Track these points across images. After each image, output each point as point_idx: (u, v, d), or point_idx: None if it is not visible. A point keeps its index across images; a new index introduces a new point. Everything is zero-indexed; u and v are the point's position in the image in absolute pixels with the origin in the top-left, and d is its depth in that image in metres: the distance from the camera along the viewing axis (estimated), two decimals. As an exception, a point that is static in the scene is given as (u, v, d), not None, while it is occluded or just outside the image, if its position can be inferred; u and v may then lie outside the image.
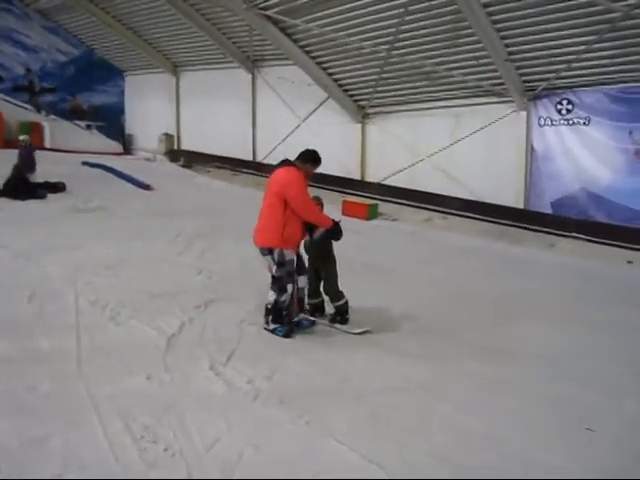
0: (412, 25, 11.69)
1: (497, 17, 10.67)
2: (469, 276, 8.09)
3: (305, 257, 5.66)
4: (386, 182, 14.04)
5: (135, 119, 20.85)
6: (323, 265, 5.60)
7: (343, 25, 12.56)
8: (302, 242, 5.50)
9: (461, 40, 11.52)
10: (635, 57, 10.33)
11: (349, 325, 5.51)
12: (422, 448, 3.45)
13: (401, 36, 12.01)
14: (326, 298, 5.73)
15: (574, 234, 11.12)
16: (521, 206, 12.13)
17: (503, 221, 11.80)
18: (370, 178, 14.58)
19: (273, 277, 5.23)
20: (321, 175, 14.70)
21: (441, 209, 12.69)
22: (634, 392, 4.45)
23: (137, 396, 3.89)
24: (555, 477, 3.22)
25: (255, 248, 5.39)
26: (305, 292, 5.60)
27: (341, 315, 5.58)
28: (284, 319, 5.22)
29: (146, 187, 13.81)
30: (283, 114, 15.94)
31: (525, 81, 11.81)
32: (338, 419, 3.72)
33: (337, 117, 14.91)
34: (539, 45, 10.96)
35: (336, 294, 5.58)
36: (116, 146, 20.01)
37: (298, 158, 5.33)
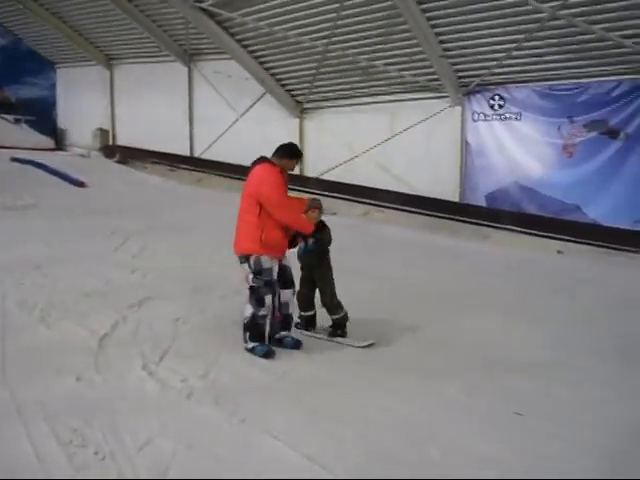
0: (349, 20, 11.75)
1: (432, 14, 10.87)
2: (409, 269, 8.20)
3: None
4: (324, 177, 14.10)
5: (68, 113, 20.06)
6: (317, 275, 5.17)
7: (280, 19, 12.50)
8: (297, 248, 5.10)
9: (397, 36, 11.68)
10: (561, 56, 10.76)
11: (350, 338, 5.13)
12: (360, 443, 3.43)
13: (338, 31, 12.05)
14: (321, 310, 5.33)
15: (507, 226, 11.49)
16: (457, 199, 12.42)
17: (440, 214, 12.05)
18: (308, 173, 14.59)
19: (250, 288, 4.73)
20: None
21: (379, 203, 12.84)
22: (563, 378, 4.62)
23: (66, 399, 3.74)
24: (493, 467, 3.27)
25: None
26: (291, 308, 5.04)
27: (341, 328, 5.17)
28: (264, 336, 4.77)
29: (80, 184, 13.40)
30: (221, 109, 15.73)
31: (460, 77, 12.08)
32: (275, 416, 3.68)
33: (275, 112, 14.85)
34: (472, 42, 11.23)
35: (334, 306, 5.15)
36: (48, 141, 19.26)
37: (274, 153, 4.87)
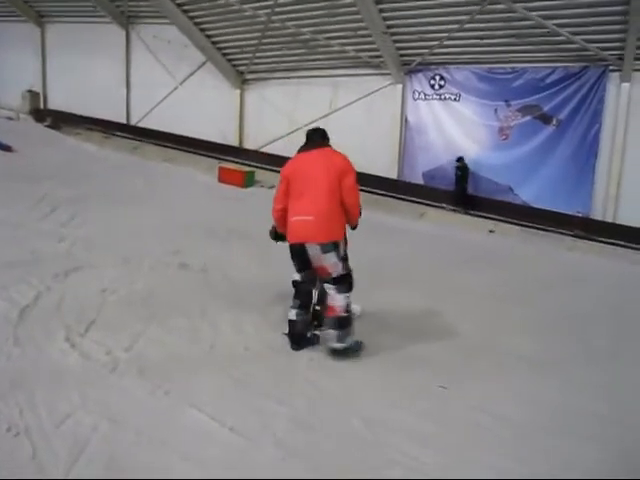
0: (292, -9, 11.58)
1: (375, -11, 10.82)
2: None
3: None
4: (264, 149, 13.97)
5: (-6, 73, 19.07)
6: None
7: (222, -15, 12.20)
8: None
9: (340, 10, 11.59)
10: (500, 40, 10.96)
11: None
12: (286, 415, 3.46)
13: (281, 1, 11.87)
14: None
15: (443, 204, 11.73)
16: (395, 176, 12.55)
17: (378, 191, 12.14)
18: (248, 145, 14.43)
19: (340, 276, 4.33)
20: (198, 141, 14.42)
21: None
22: (484, 349, 4.81)
23: (-21, 374, 3.58)
24: (415, 438, 3.35)
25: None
26: None
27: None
28: None
29: (6, 148, 12.75)
30: (160, 75, 15.28)
31: (402, 55, 12.12)
32: (200, 388, 3.65)
33: (216, 82, 14.55)
34: (415, 21, 11.29)
35: None
36: (-29, 102, 18.25)
37: (325, 138, 4.58)
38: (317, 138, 4.58)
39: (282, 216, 4.58)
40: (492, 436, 3.44)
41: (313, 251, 4.29)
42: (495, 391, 4.04)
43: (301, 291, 4.50)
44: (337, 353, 4.32)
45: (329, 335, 4.34)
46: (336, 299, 4.32)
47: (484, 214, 11.30)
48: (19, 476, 2.71)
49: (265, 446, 3.14)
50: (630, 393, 4.26)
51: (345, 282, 4.35)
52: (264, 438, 3.20)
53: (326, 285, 4.40)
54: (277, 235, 4.82)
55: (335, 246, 4.29)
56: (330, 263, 4.29)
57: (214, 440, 3.14)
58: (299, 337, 4.47)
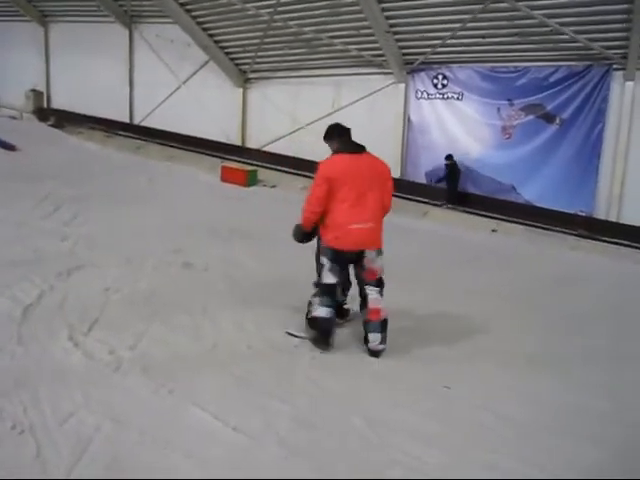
0: (295, -10, 11.58)
1: (378, -12, 10.81)
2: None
3: None
4: (266, 148, 13.97)
5: (-2, 72, 19.10)
6: None
7: (225, -16, 12.20)
8: None
9: (343, 9, 11.58)
10: (503, 38, 10.95)
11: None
12: (288, 413, 3.46)
13: (284, 0, 11.86)
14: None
15: (441, 203, 11.74)
16: (397, 176, 12.52)
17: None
18: (251, 144, 14.42)
19: (381, 278, 4.48)
20: (201, 140, 14.43)
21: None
22: (488, 348, 4.80)
23: (-17, 372, 3.59)
24: (419, 438, 3.35)
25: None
26: None
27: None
28: None
29: (10, 147, 12.79)
30: (162, 75, 15.30)
31: (404, 54, 12.10)
32: (203, 387, 3.65)
33: (218, 81, 14.57)
34: (418, 20, 11.28)
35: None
36: (-25, 101, 18.28)
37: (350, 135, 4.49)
38: (348, 137, 4.49)
39: (318, 219, 4.48)
40: (495, 436, 3.43)
41: (370, 256, 4.38)
42: (498, 391, 4.04)
43: (332, 292, 4.49)
44: (379, 354, 4.41)
45: (374, 338, 4.39)
46: (380, 302, 4.44)
47: (487, 213, 11.27)
48: (24, 474, 2.72)
49: (268, 445, 3.13)
50: (631, 392, 4.26)
51: (383, 284, 4.48)
52: (267, 437, 3.19)
53: (370, 288, 4.45)
54: (305, 235, 4.71)
55: (381, 249, 4.45)
56: (379, 265, 4.44)
57: (217, 439, 3.13)
58: (329, 334, 4.47)
